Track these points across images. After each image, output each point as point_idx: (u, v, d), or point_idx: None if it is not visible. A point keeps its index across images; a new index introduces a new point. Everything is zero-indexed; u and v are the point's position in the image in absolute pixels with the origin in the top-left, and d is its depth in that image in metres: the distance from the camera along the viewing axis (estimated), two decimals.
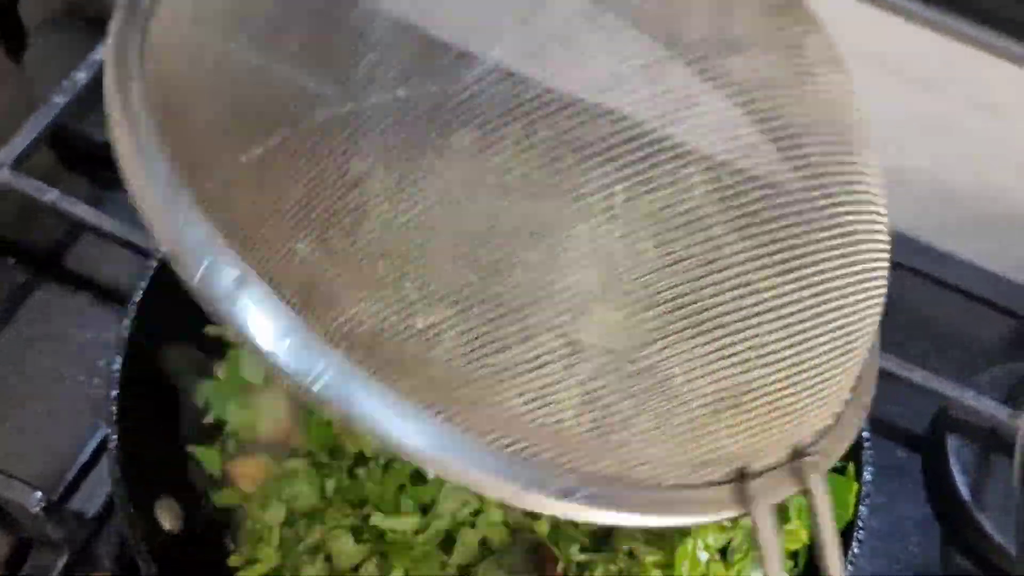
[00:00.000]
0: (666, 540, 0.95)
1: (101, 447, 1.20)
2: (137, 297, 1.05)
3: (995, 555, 1.30)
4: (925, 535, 1.35)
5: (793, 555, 1.03)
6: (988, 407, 1.30)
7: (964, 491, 1.31)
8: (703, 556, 0.93)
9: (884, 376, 1.27)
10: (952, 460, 1.33)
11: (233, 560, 1.06)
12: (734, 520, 0.97)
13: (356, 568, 1.02)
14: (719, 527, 0.94)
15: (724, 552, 0.99)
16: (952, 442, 1.35)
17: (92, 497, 1.19)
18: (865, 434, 1.08)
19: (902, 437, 1.41)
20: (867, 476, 1.06)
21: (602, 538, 1.00)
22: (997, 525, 1.28)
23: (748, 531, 0.99)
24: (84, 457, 1.19)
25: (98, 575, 0.95)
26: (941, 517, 1.35)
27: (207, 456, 1.11)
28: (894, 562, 1.32)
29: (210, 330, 1.17)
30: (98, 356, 1.27)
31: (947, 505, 1.34)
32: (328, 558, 1.03)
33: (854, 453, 1.07)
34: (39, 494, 1.06)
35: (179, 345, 1.12)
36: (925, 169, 1.54)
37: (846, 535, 1.04)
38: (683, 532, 0.94)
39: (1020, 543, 1.16)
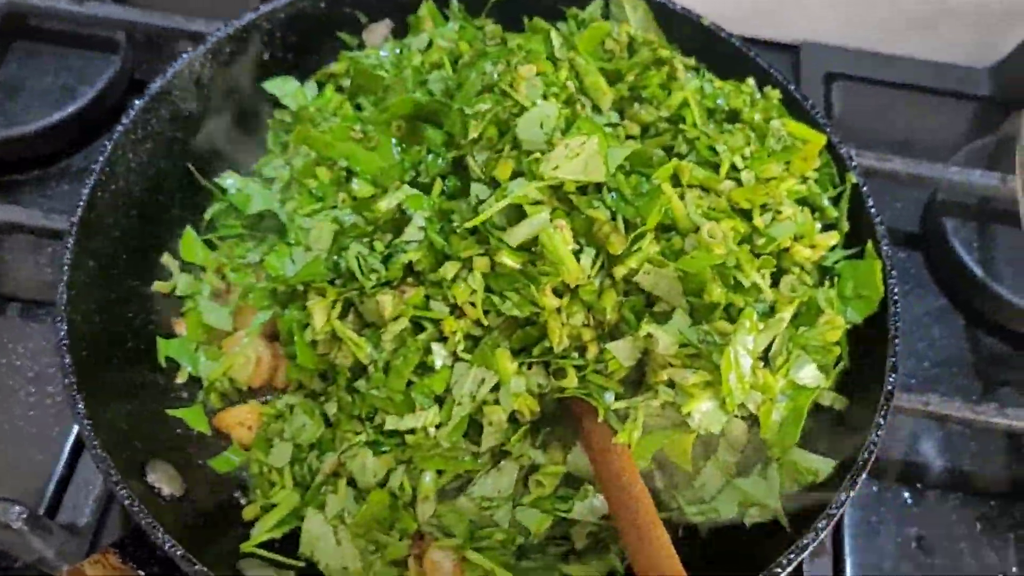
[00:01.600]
0: (703, 358, 0.87)
1: (76, 452, 1.10)
2: (64, 277, 0.93)
3: (1021, 321, 1.25)
4: (946, 327, 1.30)
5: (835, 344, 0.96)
6: (976, 178, 1.25)
7: (975, 268, 1.26)
8: (746, 363, 0.86)
9: (868, 175, 1.23)
10: (955, 242, 1.28)
11: (248, 512, 0.96)
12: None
13: (383, 483, 0.93)
14: (755, 327, 0.87)
15: (766, 358, 0.92)
16: (950, 224, 1.30)
17: (79, 507, 1.08)
18: (871, 204, 1.02)
19: (898, 237, 1.36)
20: (886, 248, 0.99)
21: (635, 381, 0.92)
22: (1016, 290, 1.24)
23: (788, 332, 0.93)
24: (60, 466, 1.09)
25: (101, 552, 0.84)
26: (958, 303, 1.30)
27: (191, 416, 1.01)
28: (923, 360, 1.27)
29: (158, 286, 1.07)
30: (45, 362, 1.16)
31: (962, 288, 1.29)
32: (351, 481, 0.93)
33: (868, 231, 1.02)
34: (17, 508, 0.94)
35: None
36: None
37: (880, 320, 0.98)
38: (721, 343, 0.86)
39: None
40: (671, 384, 0.88)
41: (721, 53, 1.15)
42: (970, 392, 1.24)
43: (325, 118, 1.11)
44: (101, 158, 0.99)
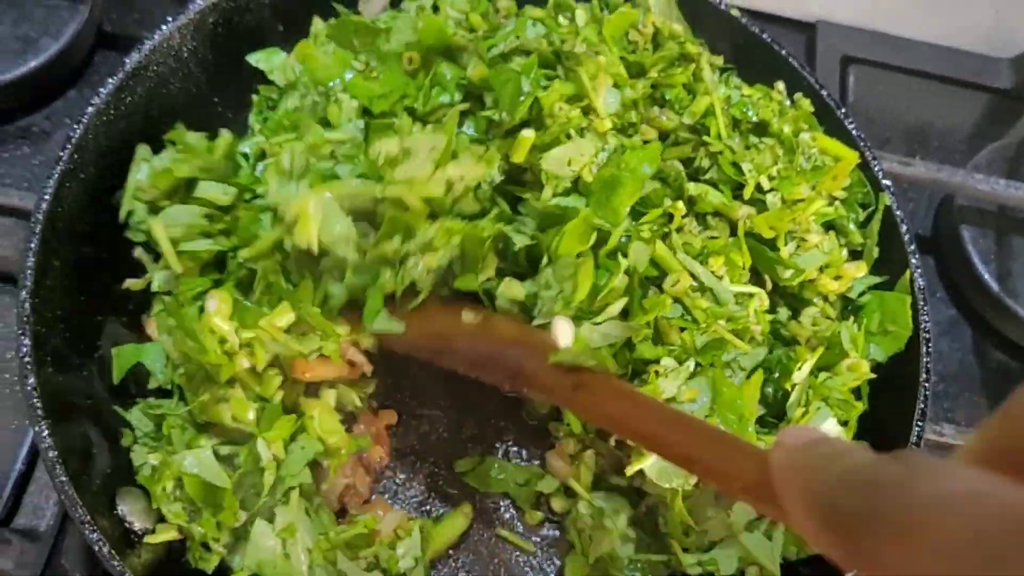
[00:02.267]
0: None
1: (35, 451, 1.01)
2: (30, 262, 0.83)
3: None
4: (954, 339, 1.25)
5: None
6: (1002, 188, 1.19)
7: (992, 282, 1.21)
8: None
9: (889, 178, 1.16)
10: (972, 252, 1.22)
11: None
12: None
13: None
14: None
15: (782, 409, 0.88)
16: (968, 233, 1.24)
17: (39, 510, 1.00)
18: (907, 236, 0.95)
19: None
20: (920, 282, 0.93)
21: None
22: None
23: (808, 380, 0.88)
24: (19, 466, 1.01)
25: None
26: (969, 314, 1.25)
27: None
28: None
29: (131, 284, 0.98)
30: (2, 349, 1.07)
31: (975, 300, 1.24)
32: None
33: (899, 258, 0.95)
34: None
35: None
36: None
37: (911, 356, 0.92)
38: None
39: None
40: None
41: (747, 45, 1.07)
42: (976, 408, 1.20)
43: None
44: (69, 145, 0.89)
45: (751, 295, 0.89)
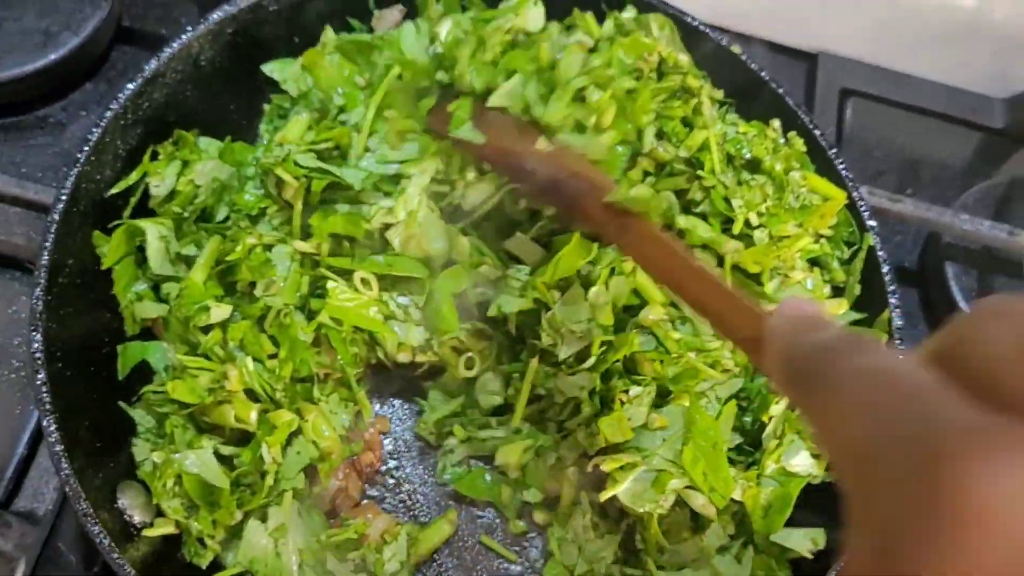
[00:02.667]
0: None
1: (38, 435, 1.05)
2: (44, 260, 0.87)
3: None
4: None
5: None
6: (985, 229, 1.22)
7: None
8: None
9: (877, 214, 1.19)
10: (955, 288, 1.26)
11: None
12: None
13: None
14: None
15: (757, 440, 0.91)
16: (952, 270, 1.28)
17: (39, 493, 1.04)
18: (888, 276, 0.99)
19: (896, 273, 1.33)
20: (897, 322, 0.97)
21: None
22: None
23: (783, 414, 0.92)
24: (21, 449, 1.04)
25: None
26: None
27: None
28: None
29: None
30: (10, 335, 1.10)
31: None
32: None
33: (880, 298, 0.99)
34: None
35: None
36: None
37: None
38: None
39: None
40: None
41: (746, 82, 1.10)
42: None
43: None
44: (87, 147, 0.93)
45: None
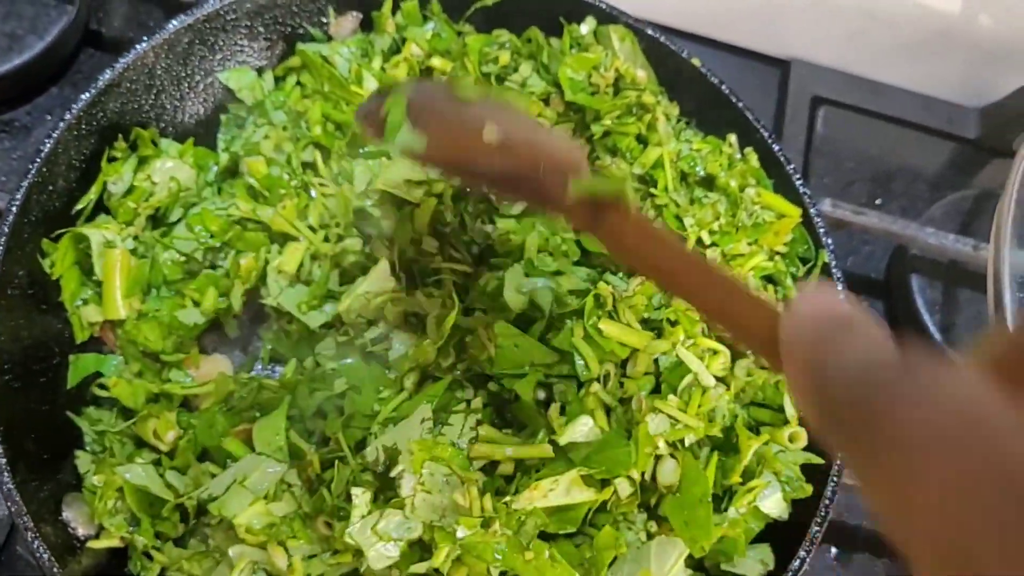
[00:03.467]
0: None
1: None
2: None
3: None
4: None
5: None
6: (950, 243, 1.22)
7: (935, 331, 1.24)
8: None
9: (839, 225, 1.20)
10: (919, 300, 1.26)
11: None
12: None
13: None
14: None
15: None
16: (917, 283, 1.27)
17: None
18: (840, 289, 0.99)
19: (863, 284, 1.33)
20: None
21: None
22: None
23: (762, 451, 0.90)
24: None
25: None
26: None
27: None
28: None
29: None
30: None
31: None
32: None
33: None
34: None
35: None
36: None
37: None
38: None
39: None
40: None
41: (707, 94, 1.10)
42: None
43: (285, 111, 1.06)
44: (39, 159, 0.93)
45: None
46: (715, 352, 0.89)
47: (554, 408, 0.85)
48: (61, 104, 1.28)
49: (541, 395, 0.87)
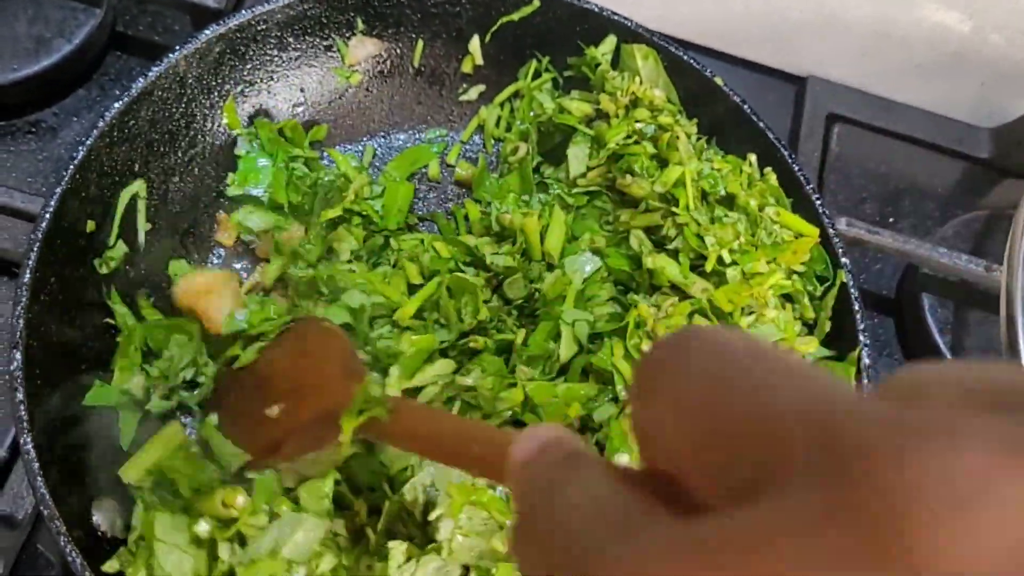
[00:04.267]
0: None
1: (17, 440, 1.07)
2: (26, 279, 0.89)
3: None
4: None
5: None
6: (962, 263, 1.24)
7: (945, 350, 1.26)
8: None
9: (855, 244, 1.21)
10: (930, 320, 1.28)
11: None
12: None
13: None
14: None
15: None
16: (927, 301, 1.29)
17: (19, 497, 1.05)
18: (859, 314, 1.01)
19: (874, 301, 1.35)
20: (866, 360, 0.99)
21: None
22: None
23: None
24: (2, 452, 1.05)
25: None
26: None
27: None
28: None
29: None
30: None
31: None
32: None
33: (849, 336, 1.01)
34: None
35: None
36: (867, 14, 1.45)
37: None
38: None
39: None
40: None
41: (729, 112, 1.12)
42: None
43: None
44: (72, 166, 0.94)
45: None
46: None
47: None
48: (88, 106, 1.30)
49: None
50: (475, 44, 1.17)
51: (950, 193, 1.49)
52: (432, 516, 0.82)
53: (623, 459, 0.86)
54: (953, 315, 1.30)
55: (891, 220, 1.42)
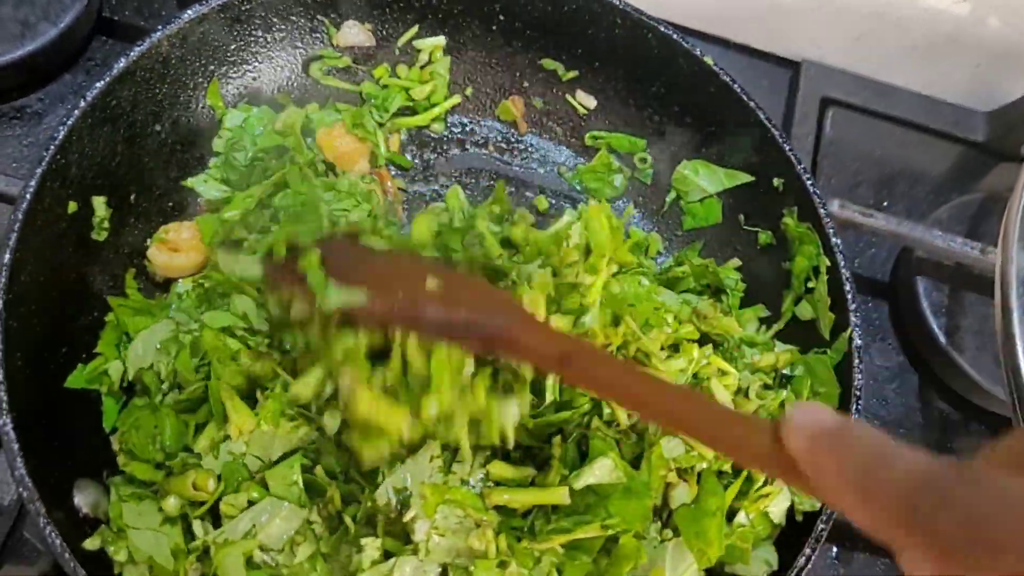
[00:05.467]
0: None
1: None
2: (6, 259, 0.87)
3: (976, 394, 1.25)
4: (901, 384, 1.30)
5: None
6: (958, 246, 1.22)
7: (940, 334, 1.25)
8: None
9: (846, 226, 1.20)
10: (924, 303, 1.27)
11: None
12: None
13: None
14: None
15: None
16: (922, 285, 1.28)
17: (3, 483, 1.04)
18: (850, 297, 1.00)
19: (867, 286, 1.34)
20: (857, 341, 0.98)
21: None
22: (975, 364, 1.23)
23: None
24: None
25: None
26: (917, 363, 1.30)
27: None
28: (872, 416, 1.27)
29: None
30: None
31: (923, 350, 1.28)
32: None
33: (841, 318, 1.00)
34: None
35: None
36: None
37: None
38: None
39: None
40: None
41: (721, 98, 1.11)
42: None
43: None
44: (52, 146, 0.93)
45: None
46: (724, 373, 0.93)
47: (569, 447, 0.86)
48: (74, 91, 1.28)
49: None
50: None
51: (945, 176, 1.47)
52: (407, 518, 0.80)
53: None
54: (948, 298, 1.28)
55: (885, 204, 1.41)
